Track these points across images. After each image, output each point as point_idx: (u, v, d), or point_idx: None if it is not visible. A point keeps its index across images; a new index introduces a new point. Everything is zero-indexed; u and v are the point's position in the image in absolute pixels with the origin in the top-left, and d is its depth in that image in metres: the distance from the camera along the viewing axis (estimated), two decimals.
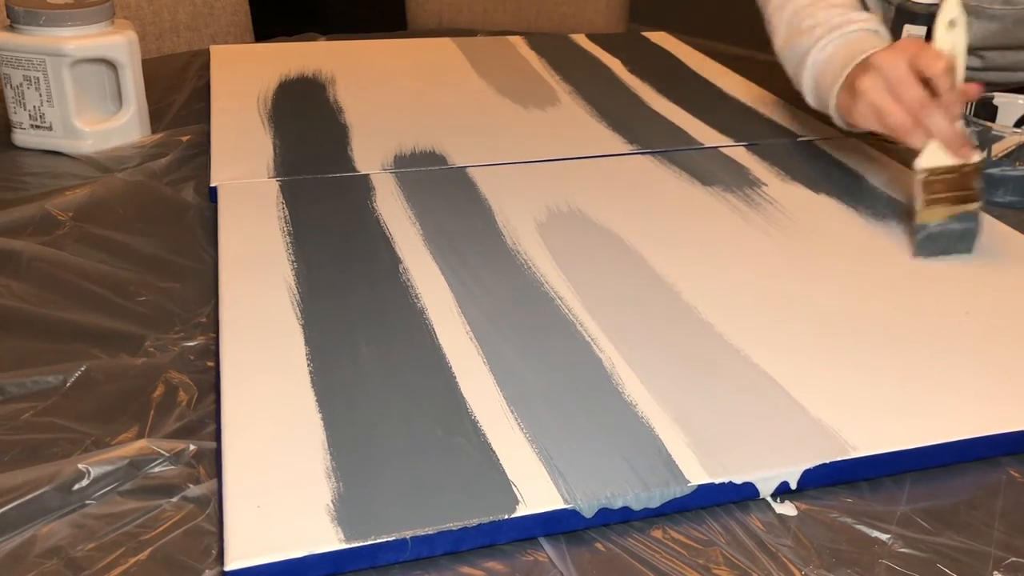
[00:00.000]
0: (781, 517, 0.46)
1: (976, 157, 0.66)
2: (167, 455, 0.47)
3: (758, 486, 0.46)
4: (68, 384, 0.52)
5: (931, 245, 0.67)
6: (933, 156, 0.66)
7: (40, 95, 0.79)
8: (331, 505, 0.43)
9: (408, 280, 0.61)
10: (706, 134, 0.89)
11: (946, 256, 0.67)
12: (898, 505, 0.47)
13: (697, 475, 0.45)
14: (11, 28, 0.78)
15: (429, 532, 0.42)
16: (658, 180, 0.78)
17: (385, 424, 0.48)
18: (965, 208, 0.66)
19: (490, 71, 1.04)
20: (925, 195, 0.67)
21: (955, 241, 0.67)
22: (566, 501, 0.43)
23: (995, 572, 0.43)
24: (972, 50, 1.02)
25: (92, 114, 0.82)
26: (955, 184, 0.66)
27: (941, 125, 0.65)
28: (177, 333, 0.58)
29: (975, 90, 0.66)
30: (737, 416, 0.50)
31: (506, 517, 0.43)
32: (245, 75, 0.99)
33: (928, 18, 0.87)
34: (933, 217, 0.66)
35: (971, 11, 0.98)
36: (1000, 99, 0.84)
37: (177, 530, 0.43)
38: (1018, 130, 0.78)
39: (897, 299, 0.62)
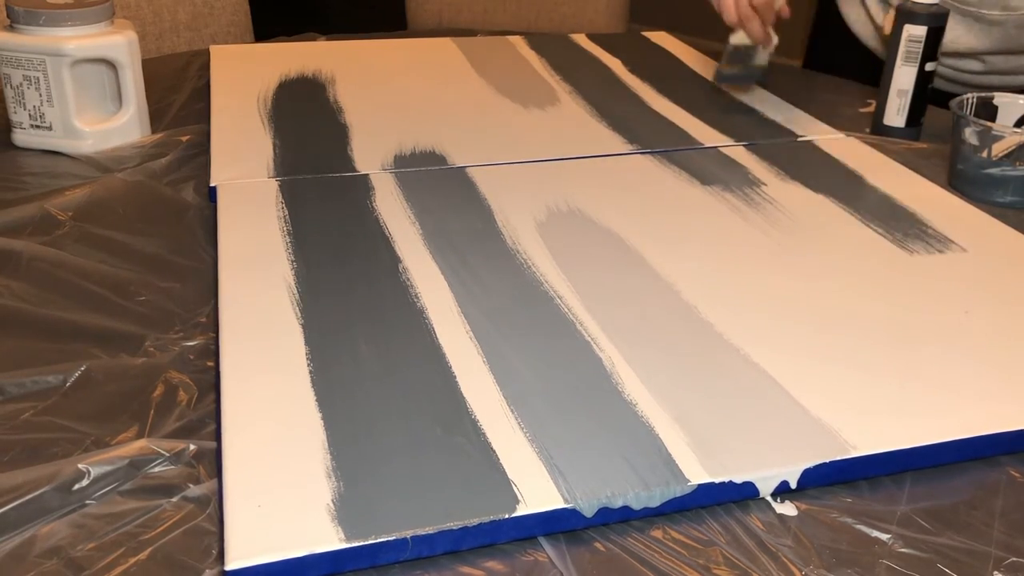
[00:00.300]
0: (781, 517, 0.46)
1: (770, 45, 0.96)
2: (167, 455, 0.47)
3: (758, 485, 0.46)
4: (68, 384, 0.52)
5: (726, 78, 0.99)
6: (741, 38, 0.96)
7: (40, 95, 0.79)
8: (331, 505, 0.43)
9: (408, 280, 0.61)
10: (706, 134, 0.89)
11: (738, 84, 1.01)
12: (898, 505, 0.47)
13: (697, 474, 0.45)
14: (11, 28, 0.78)
15: (429, 532, 0.42)
16: (658, 180, 0.78)
17: (385, 423, 0.48)
18: (754, 68, 0.99)
19: (490, 71, 1.04)
20: (730, 56, 0.97)
21: (744, 78, 1.00)
22: (566, 501, 0.44)
23: (995, 572, 0.43)
24: (975, 54, 1.02)
25: (92, 114, 0.82)
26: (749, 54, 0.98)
27: (755, 28, 0.92)
28: (177, 333, 0.58)
29: (786, 11, 0.94)
30: (737, 415, 0.50)
31: (506, 517, 0.43)
32: (245, 75, 0.99)
33: (928, 18, 0.87)
34: (730, 69, 0.98)
35: (972, 17, 0.98)
36: (1000, 99, 0.84)
37: (177, 530, 0.43)
38: (1018, 130, 0.78)
39: (896, 298, 0.62)
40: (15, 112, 0.81)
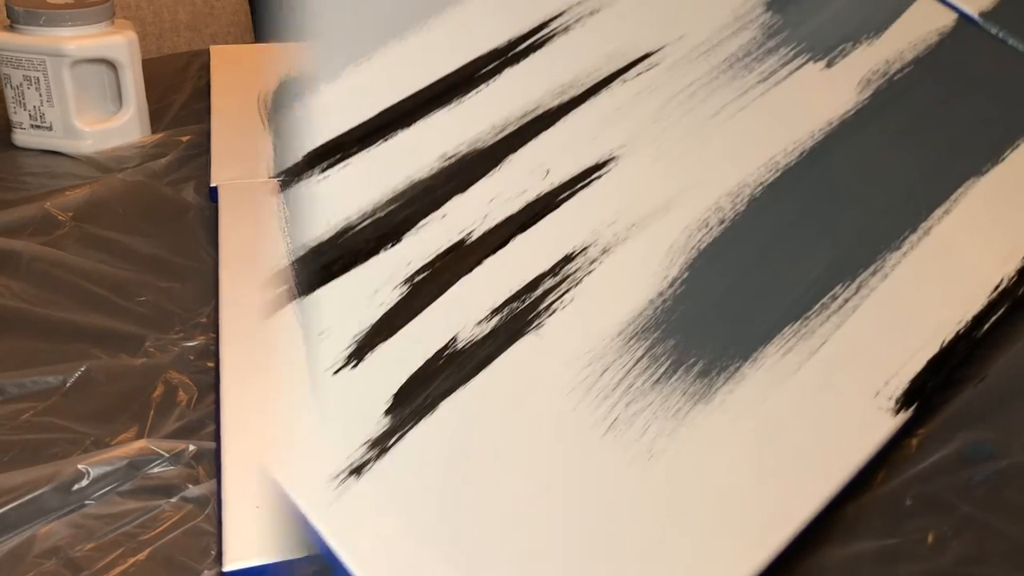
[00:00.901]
0: None
1: None
2: (167, 455, 0.47)
3: None
4: (68, 384, 0.52)
5: None
6: None
7: (40, 95, 0.79)
8: None
9: None
10: None
11: None
12: None
13: None
14: (11, 28, 0.78)
15: None
16: None
17: None
18: None
19: None
20: None
21: None
22: None
23: None
24: None
25: (92, 114, 0.82)
26: None
27: None
28: (177, 333, 0.58)
29: None
30: None
31: None
32: (245, 75, 0.99)
33: None
34: None
35: None
36: None
37: (176, 530, 0.43)
38: None
39: None
40: (15, 112, 0.81)
